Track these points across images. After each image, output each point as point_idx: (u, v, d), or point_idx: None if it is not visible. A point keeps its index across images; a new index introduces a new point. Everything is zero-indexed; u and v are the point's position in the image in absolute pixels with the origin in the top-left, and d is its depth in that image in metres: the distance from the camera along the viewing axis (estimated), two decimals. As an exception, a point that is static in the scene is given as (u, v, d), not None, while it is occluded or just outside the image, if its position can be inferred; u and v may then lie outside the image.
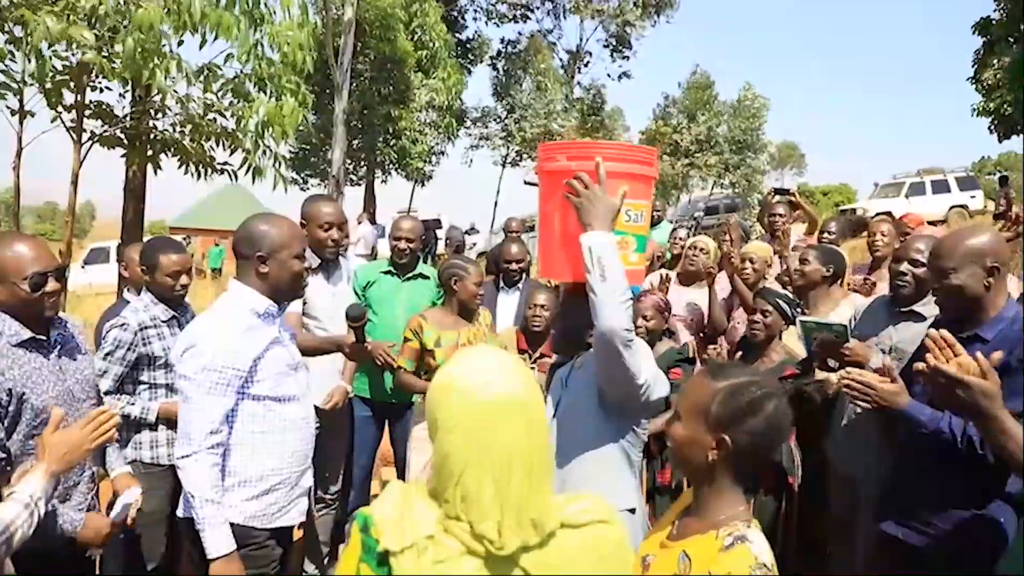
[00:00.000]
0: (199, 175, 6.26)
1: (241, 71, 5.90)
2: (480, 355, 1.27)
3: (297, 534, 2.66)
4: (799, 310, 3.28)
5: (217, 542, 2.12)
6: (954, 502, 2.19)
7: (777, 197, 6.41)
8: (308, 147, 22.31)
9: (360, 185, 24.12)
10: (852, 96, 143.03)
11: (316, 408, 3.60)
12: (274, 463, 2.30)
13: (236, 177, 6.32)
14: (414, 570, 1.15)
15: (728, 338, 4.24)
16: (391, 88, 19.91)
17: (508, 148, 26.46)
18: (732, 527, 1.42)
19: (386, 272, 4.12)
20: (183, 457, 2.15)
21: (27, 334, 2.20)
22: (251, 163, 5.90)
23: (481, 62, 27.65)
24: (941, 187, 19.84)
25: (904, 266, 2.96)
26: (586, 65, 30.09)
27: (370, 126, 20.36)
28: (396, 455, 4.24)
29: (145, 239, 4.64)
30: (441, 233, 20.08)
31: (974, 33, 17.64)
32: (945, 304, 2.31)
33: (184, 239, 20.14)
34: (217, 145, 6.15)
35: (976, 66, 17.62)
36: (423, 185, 24.88)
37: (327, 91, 18.34)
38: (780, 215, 5.41)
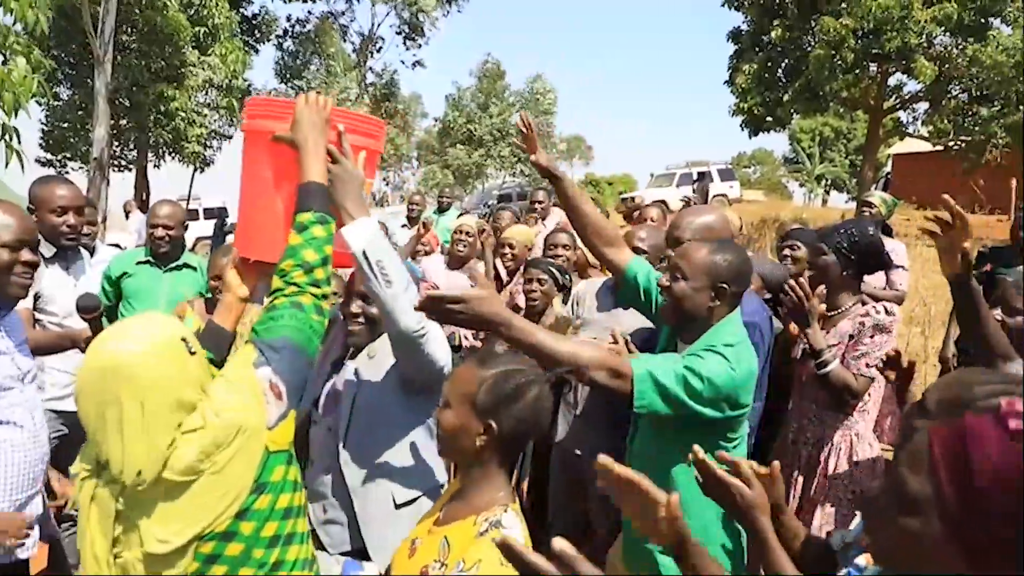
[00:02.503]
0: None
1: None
2: (125, 320, 1.45)
3: (37, 566, 2.32)
4: (567, 277, 3.44)
5: None
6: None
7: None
8: (65, 125, 19.70)
9: (130, 170, 21.84)
10: (634, 91, 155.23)
11: (63, 412, 3.21)
12: None
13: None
14: (81, 496, 1.42)
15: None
16: (162, 64, 18.09)
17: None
18: (490, 512, 1.46)
19: (144, 262, 3.76)
20: None
21: None
22: (-25, 137, 5.00)
23: (268, 41, 26.15)
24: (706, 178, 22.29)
25: None
26: (378, 50, 29.63)
27: (139, 105, 18.36)
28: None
29: None
30: (230, 222, 18.80)
31: (728, 40, 19.77)
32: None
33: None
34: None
35: (731, 70, 19.75)
36: (202, 171, 23.09)
37: (87, 63, 16.31)
38: (540, 201, 5.95)
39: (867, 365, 2.61)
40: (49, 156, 20.64)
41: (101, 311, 2.67)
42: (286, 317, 1.57)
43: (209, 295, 3.58)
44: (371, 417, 2.14)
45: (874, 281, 4.01)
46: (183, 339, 1.41)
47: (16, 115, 5.06)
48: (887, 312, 2.64)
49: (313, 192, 1.70)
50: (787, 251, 3.56)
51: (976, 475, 0.78)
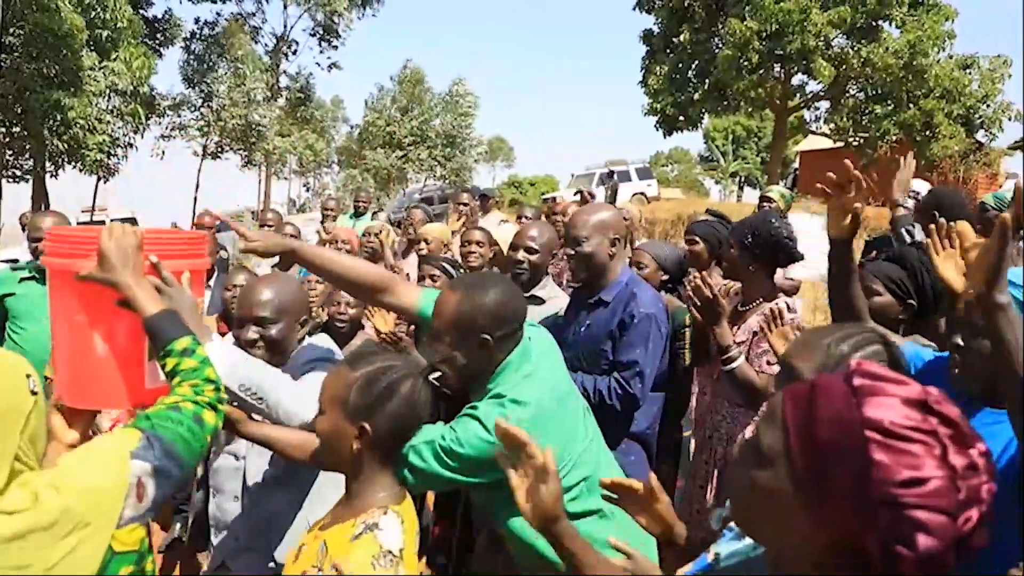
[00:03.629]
0: None
1: None
2: None
3: None
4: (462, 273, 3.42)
5: None
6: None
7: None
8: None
9: (27, 180, 20.62)
10: (556, 93, 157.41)
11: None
12: None
13: None
14: None
15: None
16: (56, 68, 17.08)
17: (207, 139, 24.51)
18: (369, 514, 1.45)
19: (29, 278, 3.55)
20: None
21: None
22: None
23: (172, 44, 25.16)
24: (624, 177, 22.78)
25: (520, 254, 2.99)
26: (294, 53, 29.01)
27: (31, 111, 17.27)
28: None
29: None
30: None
31: (640, 42, 20.27)
32: (577, 268, 2.59)
33: None
34: None
35: (644, 72, 20.24)
36: (106, 180, 22.04)
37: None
38: (464, 203, 6.01)
39: (768, 363, 2.60)
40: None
41: None
42: (185, 426, 1.45)
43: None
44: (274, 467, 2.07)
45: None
46: (28, 375, 1.27)
47: None
48: (789, 309, 2.64)
49: (165, 321, 1.56)
50: (687, 245, 3.61)
51: (819, 426, 0.82)
